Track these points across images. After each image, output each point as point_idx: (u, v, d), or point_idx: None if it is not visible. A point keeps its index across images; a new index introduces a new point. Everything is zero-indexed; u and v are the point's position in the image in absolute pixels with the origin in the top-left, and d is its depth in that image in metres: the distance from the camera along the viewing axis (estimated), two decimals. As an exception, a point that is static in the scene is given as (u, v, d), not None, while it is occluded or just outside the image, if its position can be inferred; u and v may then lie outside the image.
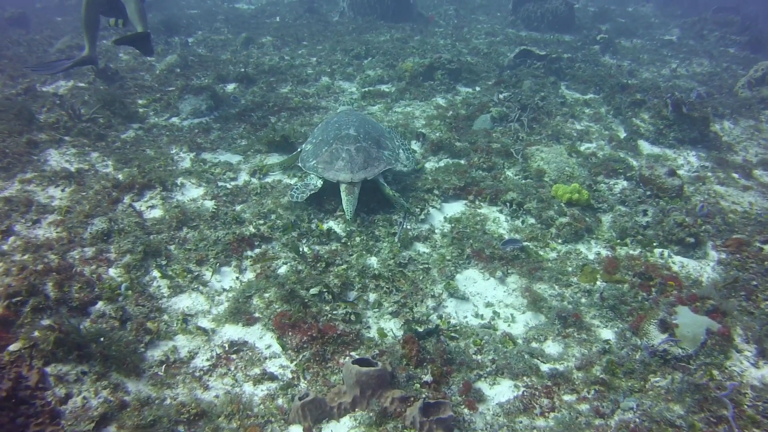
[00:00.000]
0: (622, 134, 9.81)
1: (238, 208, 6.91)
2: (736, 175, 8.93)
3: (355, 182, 6.54)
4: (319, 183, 6.72)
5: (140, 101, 10.22)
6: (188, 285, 5.63)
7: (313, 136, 7.38)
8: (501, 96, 10.32)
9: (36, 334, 4.49)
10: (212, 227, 6.43)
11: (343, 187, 6.55)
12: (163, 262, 5.87)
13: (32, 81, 10.92)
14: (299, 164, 7.12)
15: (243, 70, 11.70)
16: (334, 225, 6.61)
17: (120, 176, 7.33)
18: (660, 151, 9.39)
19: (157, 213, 6.73)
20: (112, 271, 5.70)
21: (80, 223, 6.34)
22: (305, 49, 14.40)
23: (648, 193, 7.75)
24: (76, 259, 5.79)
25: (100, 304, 5.25)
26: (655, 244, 6.78)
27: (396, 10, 17.64)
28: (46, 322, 4.79)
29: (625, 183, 8.06)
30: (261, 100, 10.39)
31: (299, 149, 7.43)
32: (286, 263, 5.92)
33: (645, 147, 9.48)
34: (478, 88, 11.52)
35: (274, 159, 8.11)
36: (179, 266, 5.79)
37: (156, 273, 5.72)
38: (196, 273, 5.77)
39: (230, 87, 11.26)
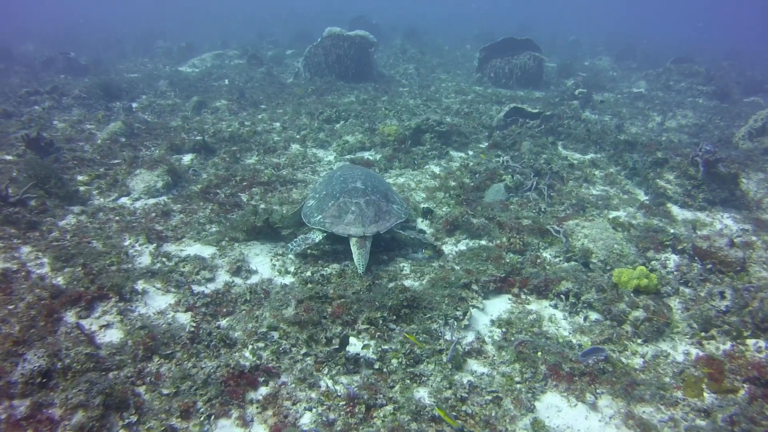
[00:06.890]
0: (642, 197, 8.71)
1: (223, 323, 5.23)
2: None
3: (367, 236, 6.10)
4: (318, 237, 6.32)
5: (81, 177, 8.49)
6: (173, 452, 3.89)
7: (314, 192, 6.95)
8: (506, 158, 9.09)
9: None
10: (193, 355, 4.71)
11: (353, 240, 6.09)
12: (133, 418, 4.05)
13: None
14: (303, 220, 6.59)
15: (200, 138, 10.14)
16: (357, 341, 5.03)
17: (60, 280, 5.59)
18: (692, 215, 8.28)
19: (114, 335, 4.95)
20: (58, 438, 3.89)
21: (7, 355, 4.46)
22: (265, 113, 12.99)
23: (709, 266, 6.55)
24: (1, 422, 3.93)
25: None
26: (746, 334, 5.50)
27: (356, 71, 16.59)
28: None
29: (675, 257, 6.84)
30: (226, 173, 8.84)
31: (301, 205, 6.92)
32: (310, 408, 4.24)
33: (674, 211, 8.36)
34: (471, 153, 10.29)
35: (255, 249, 6.56)
36: (157, 423, 4.01)
37: (123, 436, 3.94)
38: None
39: (187, 158, 9.70)
